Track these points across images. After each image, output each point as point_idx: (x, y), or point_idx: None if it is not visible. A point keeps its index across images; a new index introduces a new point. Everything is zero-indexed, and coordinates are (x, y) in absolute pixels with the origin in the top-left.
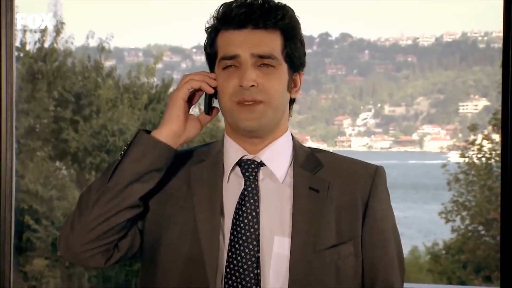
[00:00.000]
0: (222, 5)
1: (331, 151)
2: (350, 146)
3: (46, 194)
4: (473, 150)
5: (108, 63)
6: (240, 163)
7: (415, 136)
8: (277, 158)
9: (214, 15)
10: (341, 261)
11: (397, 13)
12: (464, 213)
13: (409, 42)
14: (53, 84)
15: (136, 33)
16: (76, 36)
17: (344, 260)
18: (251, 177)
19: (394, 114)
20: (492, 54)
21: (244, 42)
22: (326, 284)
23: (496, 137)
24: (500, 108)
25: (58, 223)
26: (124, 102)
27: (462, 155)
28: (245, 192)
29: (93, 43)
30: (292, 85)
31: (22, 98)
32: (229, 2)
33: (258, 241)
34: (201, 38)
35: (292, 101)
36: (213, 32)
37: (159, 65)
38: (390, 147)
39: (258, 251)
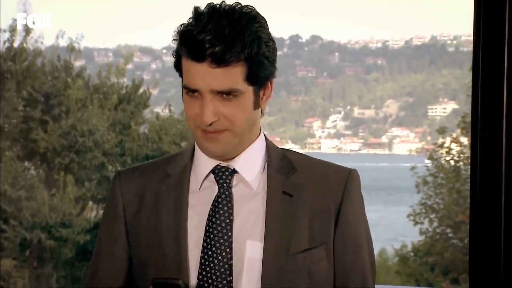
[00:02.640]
0: (182, 26)
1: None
2: (320, 148)
3: (15, 194)
4: (441, 153)
5: (78, 63)
6: (214, 170)
7: (384, 139)
8: (250, 165)
9: (177, 32)
10: (313, 266)
11: (367, 16)
12: (432, 216)
13: (379, 45)
14: (22, 83)
15: (106, 33)
16: (46, 36)
17: (316, 264)
18: (224, 185)
19: (363, 116)
20: (461, 58)
21: (203, 77)
22: (300, 286)
23: (465, 140)
24: (468, 111)
25: (26, 223)
26: (94, 103)
27: (431, 158)
28: (219, 200)
29: (63, 43)
30: (260, 98)
31: None
32: (190, 24)
33: (231, 248)
34: (171, 38)
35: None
36: (178, 52)
37: (129, 66)
38: (359, 149)
39: (231, 258)
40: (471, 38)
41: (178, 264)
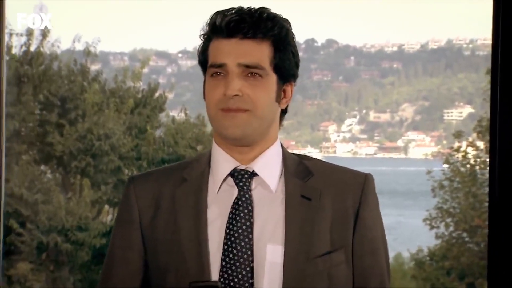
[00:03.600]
0: (214, 13)
1: (318, 158)
2: (335, 152)
3: (31, 198)
4: (457, 157)
5: (94, 67)
6: (233, 173)
7: (400, 143)
8: (269, 168)
9: (207, 23)
10: (333, 269)
11: (383, 20)
12: (448, 220)
13: (395, 48)
14: (39, 87)
15: (122, 37)
16: (63, 40)
17: (336, 268)
18: (244, 187)
19: (379, 120)
20: (477, 62)
21: (232, 52)
22: None
23: (481, 144)
24: (485, 115)
25: (42, 227)
26: (110, 106)
27: (447, 162)
28: (239, 202)
29: (79, 47)
30: (281, 95)
31: (8, 101)
32: (222, 11)
33: (252, 251)
34: (187, 42)
35: (283, 111)
36: (206, 40)
37: (145, 70)
38: (375, 154)
39: (252, 261)
40: (487, 42)
41: (200, 269)
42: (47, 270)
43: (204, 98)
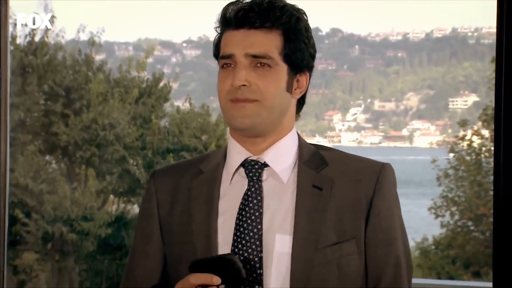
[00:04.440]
0: (226, 5)
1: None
2: (340, 141)
3: (36, 188)
4: (462, 146)
5: (98, 57)
6: (244, 164)
7: (405, 132)
8: (281, 158)
9: (220, 15)
10: (343, 259)
11: (388, 9)
12: (453, 209)
13: (399, 37)
14: (44, 78)
15: (126, 27)
16: (67, 30)
17: (346, 258)
18: (254, 178)
19: (384, 109)
20: (482, 50)
21: (240, 42)
22: (328, 282)
23: (486, 132)
24: (490, 103)
25: (48, 217)
26: (115, 96)
27: (452, 150)
28: (248, 193)
29: (83, 37)
30: (294, 86)
31: (13, 91)
32: (233, 2)
33: (261, 241)
34: (192, 32)
35: (300, 102)
36: (220, 32)
37: (150, 59)
38: (379, 143)
39: (261, 251)
40: (492, 30)
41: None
42: (53, 260)
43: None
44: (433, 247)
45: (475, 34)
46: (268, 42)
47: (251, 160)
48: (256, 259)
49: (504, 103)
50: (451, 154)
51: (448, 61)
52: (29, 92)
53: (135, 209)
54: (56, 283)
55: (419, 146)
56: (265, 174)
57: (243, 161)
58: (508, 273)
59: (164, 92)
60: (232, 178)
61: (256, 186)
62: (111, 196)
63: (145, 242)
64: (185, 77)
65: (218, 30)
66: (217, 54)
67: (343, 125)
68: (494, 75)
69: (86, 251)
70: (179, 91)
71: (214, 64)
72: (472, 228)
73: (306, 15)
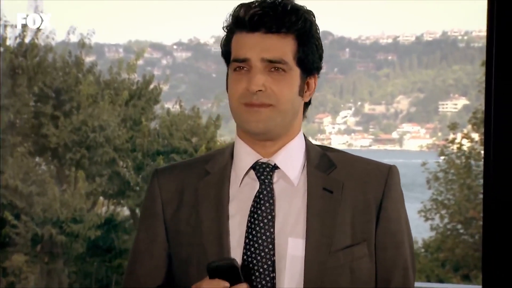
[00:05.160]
0: (238, 5)
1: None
2: (330, 144)
3: (26, 190)
4: (452, 149)
5: (88, 59)
6: (255, 166)
7: (395, 135)
8: (290, 161)
9: (231, 15)
10: (355, 262)
11: (378, 12)
12: (443, 212)
13: (390, 40)
14: (34, 79)
15: (116, 29)
16: (57, 32)
17: (358, 261)
18: (266, 181)
19: (374, 112)
20: (472, 53)
21: (255, 46)
22: (340, 285)
23: (476, 136)
24: (480, 107)
25: (37, 219)
26: (105, 98)
27: (442, 154)
28: (260, 196)
29: (73, 38)
30: (305, 88)
31: (2, 93)
32: (246, 4)
33: (273, 244)
34: (182, 34)
35: (307, 103)
36: (229, 32)
37: (140, 62)
38: (370, 145)
39: (274, 255)
40: (482, 33)
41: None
42: (42, 262)
43: (227, 91)
44: (422, 250)
45: (465, 37)
46: (283, 46)
47: (262, 162)
48: (269, 262)
49: (494, 106)
50: (441, 157)
51: (438, 64)
52: (19, 94)
53: (125, 211)
54: (46, 285)
55: (409, 149)
56: (275, 176)
57: (253, 164)
58: (497, 276)
59: (154, 94)
60: (242, 180)
61: (268, 189)
62: (101, 198)
63: (149, 241)
64: (176, 79)
65: (227, 29)
66: (226, 55)
67: (333, 128)
68: (484, 78)
69: (75, 253)
70: (169, 93)
71: (204, 66)
72: (461, 231)
73: (314, 16)
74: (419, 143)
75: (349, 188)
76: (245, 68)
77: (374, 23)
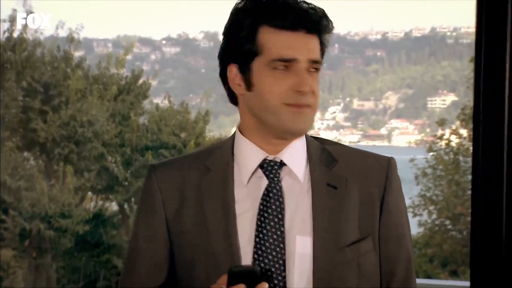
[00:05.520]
0: (268, 1)
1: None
2: None
3: (14, 185)
4: (441, 145)
5: (77, 54)
6: (262, 164)
7: (383, 131)
8: (296, 157)
9: (252, 6)
10: (362, 258)
11: (367, 8)
12: (431, 208)
13: (379, 36)
14: (22, 74)
15: (105, 24)
16: (46, 26)
17: (364, 256)
18: (275, 178)
19: (363, 108)
20: (460, 50)
21: (302, 47)
22: (349, 281)
23: (464, 132)
24: (468, 103)
25: (25, 214)
26: (94, 93)
27: (430, 150)
28: (270, 194)
29: (62, 33)
30: None
31: None
32: (276, 0)
33: (284, 243)
34: (171, 29)
35: None
36: (251, 25)
37: (129, 56)
38: (358, 141)
39: (284, 254)
40: (471, 29)
41: (230, 262)
42: (30, 257)
43: (249, 87)
44: None
45: (454, 33)
46: (317, 47)
47: (269, 160)
48: (281, 261)
49: (482, 102)
50: (430, 153)
51: (427, 60)
52: (8, 89)
53: (113, 206)
54: (34, 280)
55: (397, 145)
56: (282, 173)
57: (261, 161)
58: (485, 272)
59: (143, 89)
60: (250, 179)
61: (278, 186)
62: (89, 193)
63: (150, 240)
64: (164, 75)
65: (245, 21)
66: (251, 51)
67: (322, 123)
68: (472, 74)
69: (63, 248)
70: (158, 89)
71: (193, 61)
72: (449, 227)
73: None
74: (407, 139)
75: (352, 183)
76: (284, 67)
77: (363, 19)
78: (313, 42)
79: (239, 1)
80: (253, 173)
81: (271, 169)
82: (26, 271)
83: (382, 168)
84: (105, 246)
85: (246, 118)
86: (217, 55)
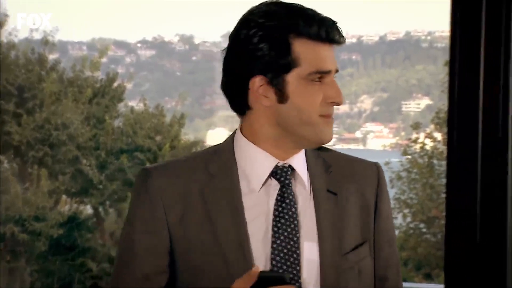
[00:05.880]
0: (298, 10)
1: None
2: None
3: None
4: (415, 148)
5: (52, 56)
6: (275, 170)
7: (358, 134)
8: (301, 163)
9: (284, 17)
10: (361, 263)
11: (341, 12)
12: (406, 211)
13: (354, 40)
14: None
15: (80, 27)
16: (20, 29)
17: (363, 262)
18: (290, 184)
19: (338, 111)
20: (435, 54)
21: (332, 58)
22: (353, 286)
23: (438, 135)
24: (442, 107)
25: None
26: (68, 96)
27: (405, 153)
28: (287, 200)
29: (37, 36)
30: None
31: None
32: (305, 11)
33: (300, 249)
34: (146, 32)
35: None
36: (285, 37)
37: (104, 59)
38: (333, 145)
39: (300, 260)
40: (445, 33)
41: (244, 269)
42: (4, 260)
43: (283, 99)
44: None
45: (428, 37)
46: None
47: (281, 166)
48: (298, 268)
49: (457, 106)
50: (404, 157)
51: (402, 64)
52: None
53: (88, 209)
54: (7, 284)
55: (372, 148)
56: (292, 179)
57: (274, 168)
58: (459, 275)
59: (118, 92)
60: (263, 185)
61: (292, 192)
62: (64, 196)
63: (151, 247)
64: (140, 78)
65: (277, 32)
66: (289, 62)
67: None
68: (447, 78)
69: (37, 252)
70: (133, 92)
71: (169, 64)
72: (424, 230)
73: None
74: (382, 142)
75: (348, 189)
76: (319, 79)
77: (338, 23)
78: (334, 53)
79: (257, 11)
80: (266, 180)
81: (285, 174)
82: (0, 275)
83: (374, 175)
84: (79, 249)
85: (265, 128)
86: (224, 65)
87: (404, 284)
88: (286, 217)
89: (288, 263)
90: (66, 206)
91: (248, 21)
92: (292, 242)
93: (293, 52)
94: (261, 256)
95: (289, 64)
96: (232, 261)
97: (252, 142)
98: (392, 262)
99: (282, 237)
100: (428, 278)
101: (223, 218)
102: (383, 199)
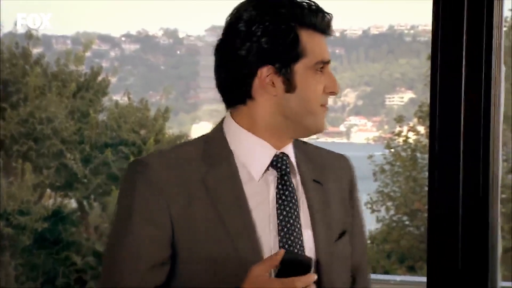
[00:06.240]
0: (307, 4)
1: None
2: None
3: None
4: (398, 142)
5: (36, 50)
6: (274, 158)
7: (342, 128)
8: (292, 153)
9: (292, 9)
10: (346, 251)
11: (325, 5)
12: (389, 204)
13: (337, 34)
14: None
15: (64, 21)
16: (4, 23)
17: (346, 250)
18: (290, 173)
19: None
20: (418, 47)
21: (327, 49)
22: (342, 274)
23: (421, 128)
24: (425, 100)
25: None
26: (52, 90)
27: (388, 146)
28: (290, 188)
29: (21, 30)
30: None
31: None
32: (312, 3)
33: (302, 236)
34: (131, 26)
35: None
36: (294, 28)
37: (88, 53)
38: (317, 138)
39: (303, 247)
40: (428, 27)
41: (253, 256)
42: None
43: (290, 88)
44: (368, 241)
45: (412, 31)
46: None
47: (279, 154)
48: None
49: (439, 100)
50: (387, 150)
51: (385, 57)
52: None
53: (72, 203)
54: None
55: (356, 141)
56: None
57: (273, 156)
58: (442, 268)
59: (102, 86)
60: (263, 175)
61: (293, 181)
62: (48, 190)
63: (154, 240)
64: (124, 72)
65: (286, 23)
66: (298, 52)
67: None
68: (429, 72)
69: (22, 245)
70: (117, 86)
71: (153, 58)
72: (407, 223)
73: None
74: (366, 135)
75: (329, 180)
76: (321, 69)
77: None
78: None
79: (254, 2)
80: (266, 168)
81: (285, 162)
82: None
83: (348, 167)
84: (64, 243)
85: (267, 117)
86: (223, 57)
87: (388, 276)
88: (290, 205)
89: (296, 250)
90: (51, 200)
91: (252, 8)
92: (297, 230)
93: (301, 42)
94: (265, 243)
95: (297, 54)
96: (241, 248)
97: (249, 131)
98: (363, 250)
99: (288, 225)
100: (412, 270)
101: (228, 206)
102: (356, 190)
